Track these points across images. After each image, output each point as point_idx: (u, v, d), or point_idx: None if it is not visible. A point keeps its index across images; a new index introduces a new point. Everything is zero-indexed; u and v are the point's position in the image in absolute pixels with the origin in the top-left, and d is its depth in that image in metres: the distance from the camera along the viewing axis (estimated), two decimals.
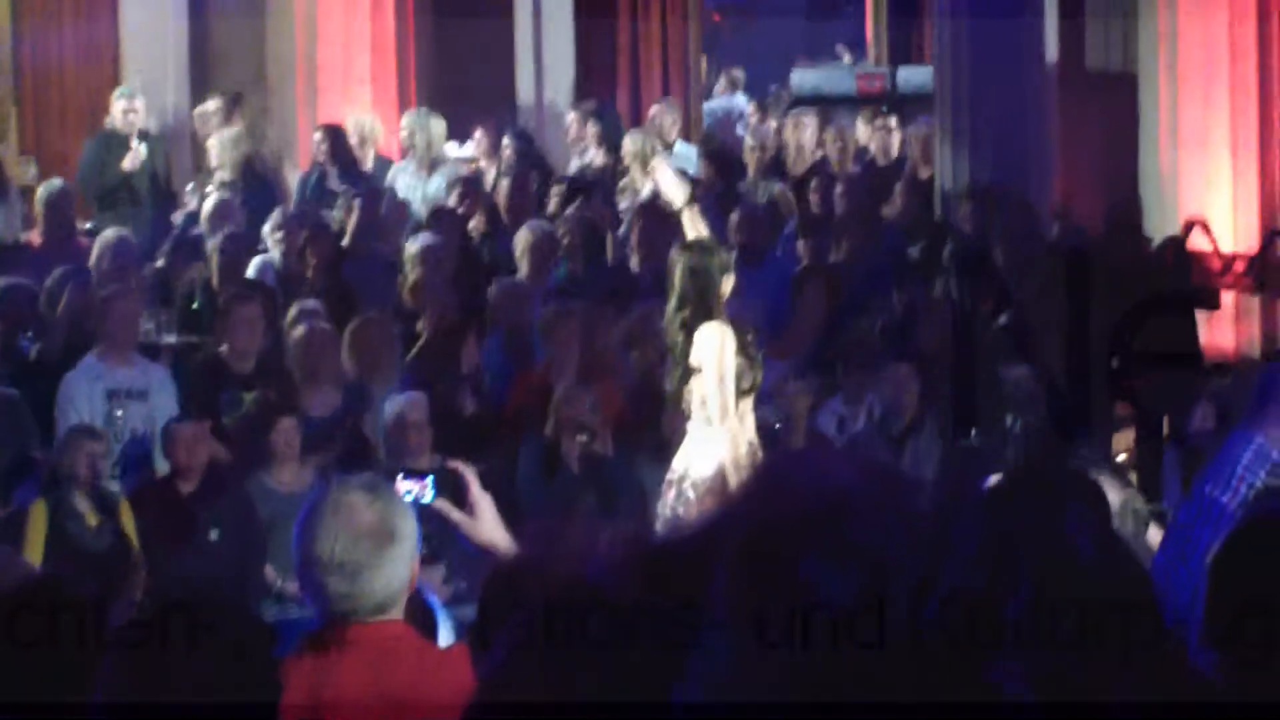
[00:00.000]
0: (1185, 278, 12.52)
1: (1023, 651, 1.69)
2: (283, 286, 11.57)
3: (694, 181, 12.38)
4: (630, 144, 14.30)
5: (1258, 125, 14.50)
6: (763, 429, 8.70)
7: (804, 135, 15.90)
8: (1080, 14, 15.57)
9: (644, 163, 13.89)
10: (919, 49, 19.09)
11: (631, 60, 18.09)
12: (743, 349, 8.35)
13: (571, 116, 15.37)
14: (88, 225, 13.48)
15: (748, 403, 8.40)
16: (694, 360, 8.28)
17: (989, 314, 11.48)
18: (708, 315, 8.33)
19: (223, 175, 13.57)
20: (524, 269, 11.82)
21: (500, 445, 9.87)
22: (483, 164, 14.68)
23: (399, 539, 3.94)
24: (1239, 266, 13.25)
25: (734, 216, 12.60)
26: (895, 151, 15.21)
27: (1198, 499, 3.91)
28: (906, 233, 13.08)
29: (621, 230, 12.96)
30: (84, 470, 8.81)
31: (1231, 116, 14.45)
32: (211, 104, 14.06)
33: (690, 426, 8.42)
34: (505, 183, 13.32)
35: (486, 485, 4.28)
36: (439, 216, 12.61)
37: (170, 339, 10.87)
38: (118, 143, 13.83)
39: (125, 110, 13.85)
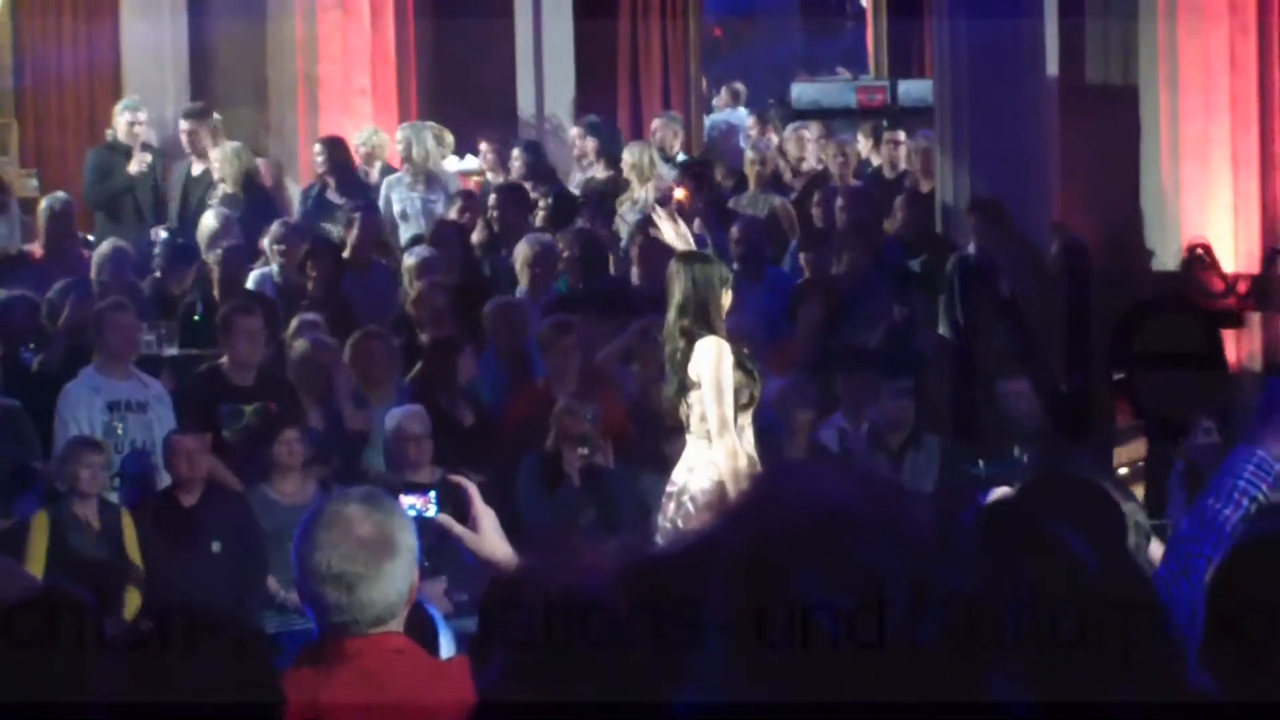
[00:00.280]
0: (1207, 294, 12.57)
1: (1022, 656, 1.69)
2: (282, 299, 11.57)
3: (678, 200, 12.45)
4: (630, 157, 14.30)
5: (1259, 137, 14.52)
6: (763, 442, 8.69)
7: (804, 148, 15.91)
8: (1080, 27, 15.58)
9: (643, 175, 13.91)
10: (919, 62, 19.08)
11: (632, 73, 18.11)
12: (741, 363, 8.34)
13: (574, 131, 15.39)
14: (89, 237, 13.49)
15: (747, 416, 8.39)
16: (692, 374, 8.27)
17: (990, 327, 11.47)
18: (707, 327, 8.32)
19: (224, 188, 13.58)
20: (524, 282, 11.82)
21: (499, 458, 9.87)
22: (490, 177, 14.69)
23: (397, 551, 3.93)
24: (1242, 288, 13.24)
25: (734, 230, 12.61)
26: (903, 165, 15.23)
27: (1199, 512, 3.90)
28: (907, 246, 13.08)
29: (622, 244, 12.96)
30: (85, 482, 8.82)
31: (1232, 129, 14.46)
32: (185, 123, 13.95)
33: (689, 439, 8.41)
34: (498, 196, 13.32)
35: (487, 498, 4.28)
36: (439, 229, 12.61)
37: (171, 351, 10.87)
38: (120, 154, 13.85)
39: (130, 123, 13.89)
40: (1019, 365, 10.78)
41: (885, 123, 16.90)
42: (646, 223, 12.29)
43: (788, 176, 15.38)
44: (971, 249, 12.23)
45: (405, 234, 13.42)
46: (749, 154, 15.43)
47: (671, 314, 8.42)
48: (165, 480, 9.30)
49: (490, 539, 4.16)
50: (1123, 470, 11.77)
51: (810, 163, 15.77)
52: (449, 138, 14.67)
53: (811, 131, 16.47)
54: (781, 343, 11.32)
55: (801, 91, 18.68)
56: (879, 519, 1.59)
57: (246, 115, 14.92)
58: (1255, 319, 13.57)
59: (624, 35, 18.02)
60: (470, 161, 15.18)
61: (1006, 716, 1.63)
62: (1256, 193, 14.61)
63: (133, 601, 8.77)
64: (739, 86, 21.06)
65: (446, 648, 4.47)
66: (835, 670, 1.52)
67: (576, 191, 14.45)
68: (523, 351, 10.80)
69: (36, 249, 13.01)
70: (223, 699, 3.34)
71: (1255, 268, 14.20)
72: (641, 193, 13.76)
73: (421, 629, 4.46)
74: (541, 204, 13.43)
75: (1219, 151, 14.57)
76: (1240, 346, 13.37)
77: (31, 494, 9.27)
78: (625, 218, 13.51)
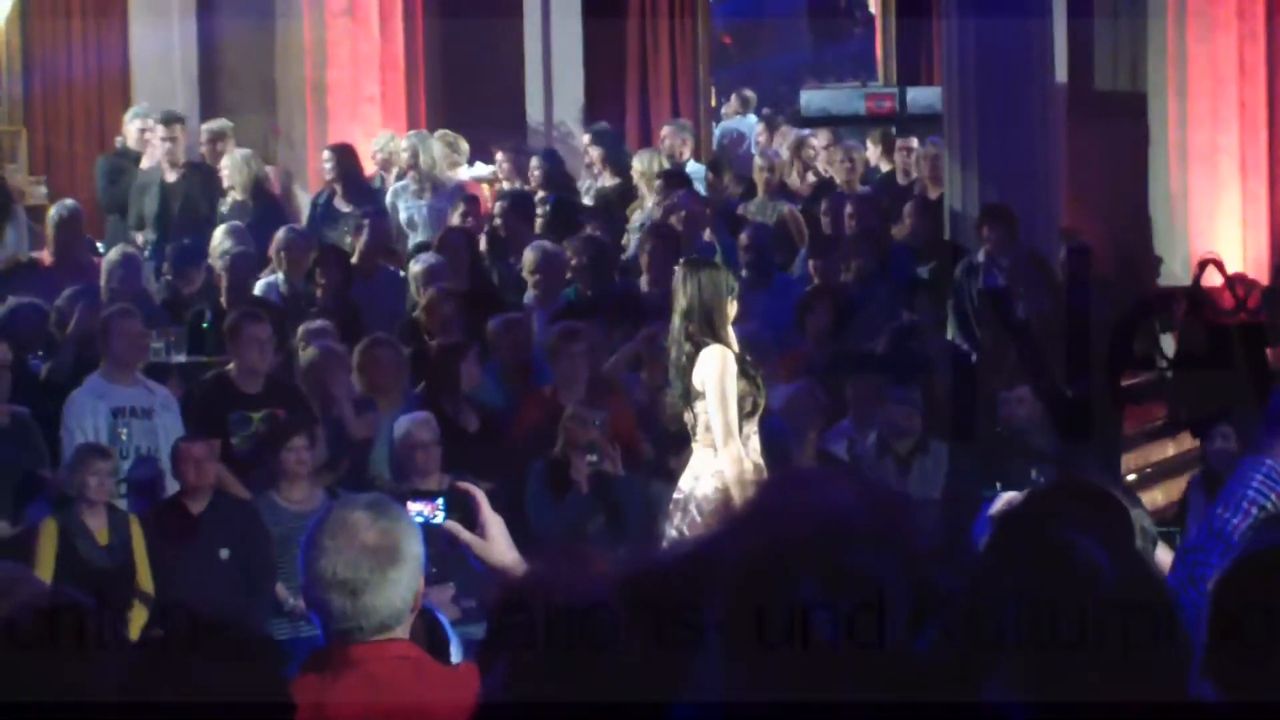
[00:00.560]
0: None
1: (1028, 660, 1.69)
2: (289, 306, 11.58)
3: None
4: (639, 165, 14.29)
5: (1267, 144, 14.52)
6: (770, 449, 8.69)
7: (812, 155, 15.91)
8: (1089, 33, 15.58)
9: (652, 183, 13.90)
10: (928, 68, 19.08)
11: (640, 80, 18.11)
12: (745, 371, 8.33)
13: (585, 138, 15.40)
14: (99, 244, 13.51)
15: (752, 424, 8.38)
16: (696, 382, 8.27)
17: (1003, 350, 11.48)
18: (712, 335, 8.32)
19: (234, 195, 13.59)
20: (531, 289, 11.81)
21: (507, 464, 9.87)
22: (505, 186, 14.67)
23: (403, 558, 3.93)
24: (1252, 303, 13.24)
25: (743, 237, 12.61)
26: (914, 172, 15.23)
27: (1208, 521, 3.90)
28: (916, 253, 13.08)
29: (630, 251, 12.96)
30: (94, 489, 8.83)
31: (1241, 136, 14.46)
32: (162, 129, 13.88)
33: (695, 447, 8.41)
34: (504, 203, 13.32)
35: (495, 505, 4.27)
36: (446, 236, 12.61)
37: (179, 358, 10.87)
38: (131, 161, 13.88)
39: (141, 129, 13.91)
40: (1025, 375, 10.78)
41: (894, 129, 16.90)
42: (655, 230, 12.30)
43: (795, 183, 15.38)
44: (981, 256, 12.23)
45: (412, 241, 13.42)
46: (757, 161, 15.44)
47: (677, 320, 8.41)
48: (173, 487, 9.30)
49: (498, 546, 4.15)
50: (1131, 476, 11.77)
51: (819, 170, 15.77)
52: (464, 145, 14.67)
53: (820, 139, 16.49)
54: (790, 350, 11.32)
55: (810, 99, 18.69)
56: (881, 528, 1.59)
57: (255, 122, 14.93)
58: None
59: (633, 41, 18.03)
60: (483, 169, 15.18)
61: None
62: (1265, 199, 14.61)
63: (140, 611, 8.77)
64: (748, 93, 21.08)
65: (457, 654, 4.47)
66: (834, 673, 1.52)
67: (587, 200, 14.44)
68: (527, 364, 10.79)
69: (46, 256, 13.01)
70: (231, 705, 3.35)
71: (1264, 275, 14.20)
72: (651, 200, 13.75)
73: (431, 635, 4.45)
74: (539, 212, 13.42)
75: (1227, 158, 14.57)
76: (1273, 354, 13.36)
77: (41, 501, 9.27)
78: (634, 225, 13.50)
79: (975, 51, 12.89)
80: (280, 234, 12.25)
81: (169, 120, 13.89)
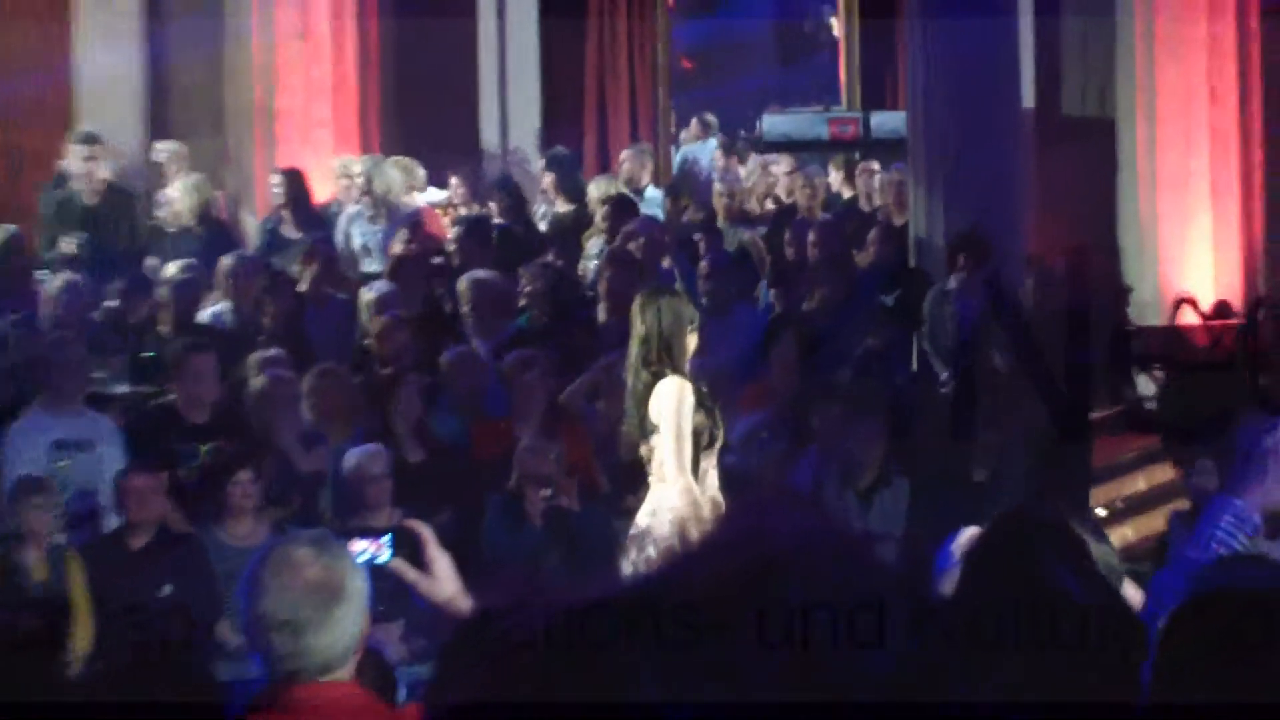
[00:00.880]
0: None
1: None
2: (236, 334, 11.51)
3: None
4: (595, 191, 14.26)
5: (1239, 169, 14.55)
6: (731, 483, 8.65)
7: (774, 181, 15.91)
8: (1057, 58, 15.61)
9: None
10: (892, 93, 19.11)
11: (599, 105, 18.10)
12: (702, 403, 8.29)
13: (541, 164, 15.37)
14: (42, 272, 13.42)
15: (710, 458, 8.34)
16: (653, 415, 8.23)
17: (987, 400, 11.47)
18: (671, 366, 8.27)
19: (181, 222, 13.53)
20: (468, 319, 11.64)
21: (462, 497, 9.83)
22: (461, 211, 14.59)
23: (346, 597, 3.90)
24: (1227, 340, 13.27)
25: (703, 265, 12.58)
26: (878, 198, 15.22)
27: (1178, 561, 3.90)
28: (881, 280, 13.07)
29: (589, 279, 12.92)
30: (32, 523, 8.75)
31: (1211, 159, 14.49)
32: (81, 149, 13.75)
33: (652, 482, 8.37)
34: (460, 228, 13.25)
35: (450, 541, 4.27)
36: (397, 264, 12.55)
37: (122, 389, 10.80)
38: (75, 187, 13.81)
39: (84, 156, 13.81)
40: (1001, 407, 10.78)
41: (858, 155, 16.91)
42: (613, 257, 12.26)
43: (755, 210, 15.37)
44: (953, 283, 12.22)
45: (367, 268, 13.36)
46: (716, 186, 15.42)
47: (634, 349, 8.37)
48: (115, 521, 9.22)
49: (445, 583, 4.14)
50: (1101, 511, 11.75)
51: (782, 196, 15.76)
52: (420, 172, 14.64)
53: (782, 165, 16.48)
54: (753, 380, 11.29)
55: (772, 124, 18.65)
56: (823, 562, 1.56)
57: (206, 146, 14.86)
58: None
59: (591, 65, 18.02)
60: (437, 194, 15.13)
61: None
62: (1237, 225, 14.63)
63: (81, 643, 8.68)
64: (710, 118, 21.08)
65: (403, 694, 4.45)
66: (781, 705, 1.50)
67: (543, 226, 14.40)
68: (480, 396, 10.73)
69: None
70: None
71: (1237, 300, 14.22)
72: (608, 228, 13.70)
73: (377, 675, 4.43)
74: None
75: (1198, 183, 14.60)
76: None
77: None
78: (591, 253, 13.43)
79: (940, 75, 12.90)
80: (227, 260, 12.18)
81: (87, 140, 13.78)
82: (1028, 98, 14.65)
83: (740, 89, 23.62)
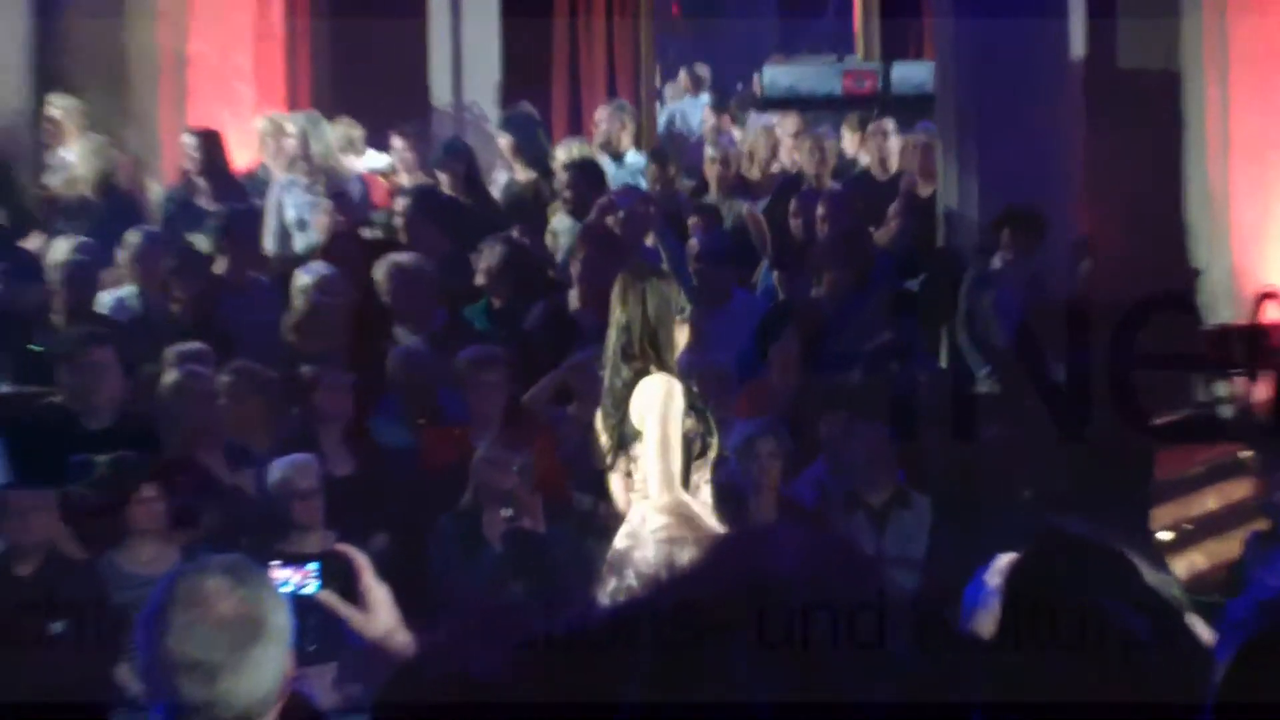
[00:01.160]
0: None
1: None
2: (141, 325, 11.50)
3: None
4: (562, 155, 14.24)
5: None
6: (725, 499, 8.65)
7: (775, 144, 15.90)
8: (1112, 3, 15.62)
9: None
10: (917, 42, 19.15)
11: (570, 57, 18.11)
12: (694, 406, 8.28)
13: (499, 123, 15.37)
14: None
15: (703, 471, 8.34)
16: (635, 419, 8.21)
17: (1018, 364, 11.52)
18: (656, 360, 8.26)
19: (77, 190, 13.51)
20: (390, 312, 11.60)
21: (401, 519, 9.84)
22: (405, 179, 14.48)
23: (268, 634, 3.90)
24: None
25: (692, 242, 12.59)
26: (894, 164, 15.23)
27: (1254, 588, 3.88)
28: (902, 262, 13.09)
29: (559, 259, 12.92)
30: None
31: None
32: None
33: (633, 499, 8.35)
34: (408, 201, 13.20)
35: (389, 569, 4.27)
36: (336, 243, 12.54)
37: (4, 388, 10.80)
38: None
39: None
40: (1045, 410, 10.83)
41: (876, 113, 16.90)
42: (588, 234, 12.25)
43: (755, 178, 15.38)
44: (998, 263, 12.23)
45: (301, 244, 13.33)
46: (708, 151, 15.46)
47: (613, 340, 8.35)
48: None
49: (382, 619, 4.15)
50: (1165, 535, 11.77)
51: (785, 161, 15.77)
52: (358, 133, 14.63)
53: (786, 125, 16.48)
54: (750, 380, 11.31)
55: (775, 76, 18.63)
56: (823, 595, 1.57)
57: (102, 101, 14.83)
58: None
59: (561, 4, 18.02)
60: (378, 159, 15.10)
61: None
62: None
63: None
64: (701, 70, 21.12)
65: None
66: None
67: (498, 195, 14.36)
68: (432, 399, 10.74)
69: None
70: None
71: None
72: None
73: None
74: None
75: (1278, 152, 14.62)
76: None
77: None
78: (559, 228, 13.40)
79: (975, 20, 12.92)
80: (131, 238, 12.16)
81: None
82: (1077, 46, 14.65)
83: (737, 36, 23.63)
